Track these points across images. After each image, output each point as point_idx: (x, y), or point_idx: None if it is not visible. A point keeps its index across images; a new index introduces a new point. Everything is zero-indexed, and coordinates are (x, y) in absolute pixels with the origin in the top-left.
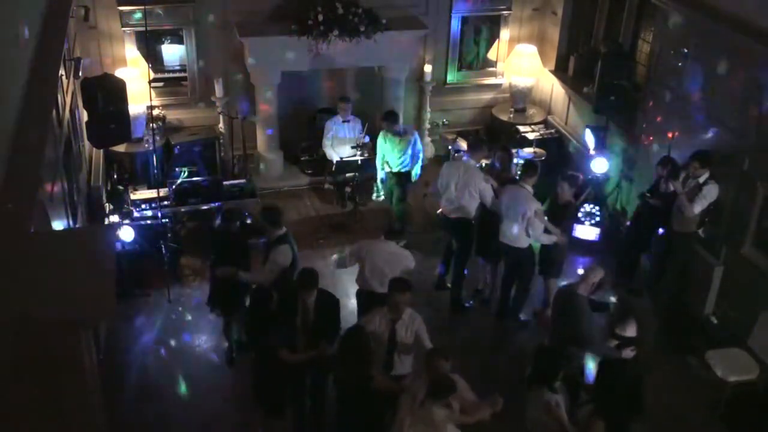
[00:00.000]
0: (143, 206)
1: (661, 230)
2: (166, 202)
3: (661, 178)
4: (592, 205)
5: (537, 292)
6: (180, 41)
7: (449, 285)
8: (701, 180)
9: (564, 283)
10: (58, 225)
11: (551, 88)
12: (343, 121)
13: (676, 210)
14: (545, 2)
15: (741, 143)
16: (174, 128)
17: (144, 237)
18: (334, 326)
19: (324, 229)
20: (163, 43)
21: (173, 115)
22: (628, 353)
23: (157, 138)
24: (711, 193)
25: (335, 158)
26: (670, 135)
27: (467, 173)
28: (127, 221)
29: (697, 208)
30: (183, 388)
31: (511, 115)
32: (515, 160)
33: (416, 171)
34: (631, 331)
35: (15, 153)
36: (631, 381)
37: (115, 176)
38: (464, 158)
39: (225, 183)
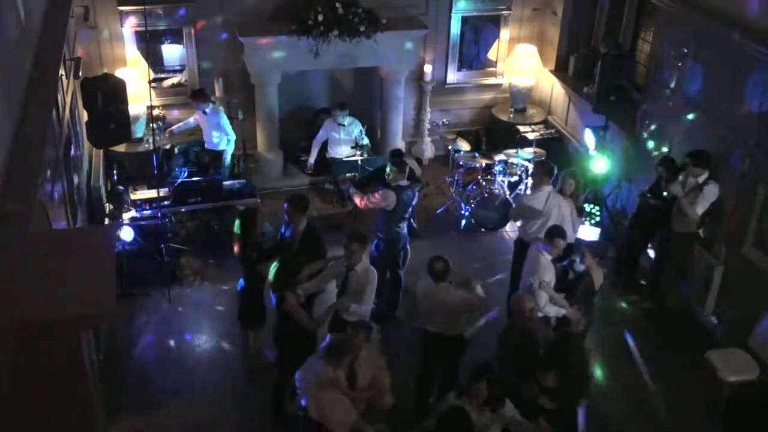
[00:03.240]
0: (143, 206)
1: (660, 230)
2: (166, 202)
3: (661, 177)
4: (592, 205)
5: None
6: (180, 41)
7: None
8: (700, 180)
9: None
10: (58, 225)
11: (551, 88)
12: (339, 124)
13: (676, 210)
14: (545, 2)
15: (741, 143)
16: None
17: (144, 237)
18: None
19: (324, 228)
20: (163, 43)
21: (173, 115)
22: (546, 402)
23: (158, 138)
24: (711, 192)
25: (313, 157)
26: (670, 135)
27: (548, 197)
28: (127, 221)
29: (699, 209)
30: (183, 388)
31: (511, 115)
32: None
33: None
34: (549, 381)
35: (15, 153)
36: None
37: (115, 176)
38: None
39: (225, 183)
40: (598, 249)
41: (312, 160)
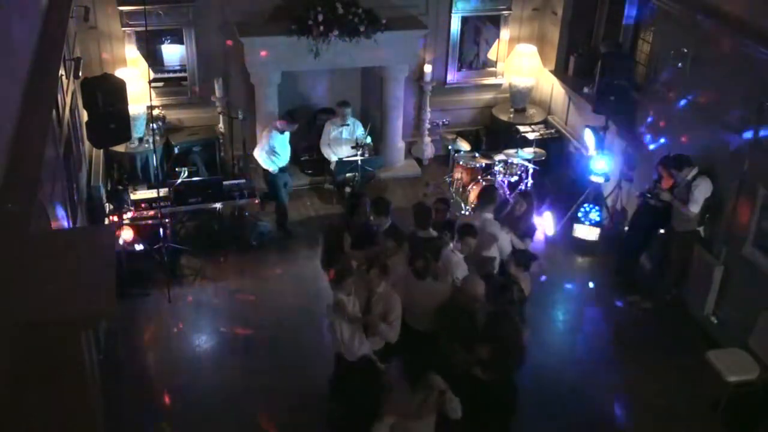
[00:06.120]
0: (143, 206)
1: (661, 230)
2: (166, 202)
3: (661, 177)
4: (591, 205)
5: None
6: (180, 41)
7: None
8: (689, 177)
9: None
10: (58, 225)
11: (551, 88)
12: (342, 125)
13: (676, 210)
14: (545, 2)
15: (741, 143)
16: (174, 128)
17: (144, 237)
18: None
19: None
20: (163, 43)
21: (173, 115)
22: (479, 372)
23: (157, 138)
24: (701, 188)
25: (333, 158)
26: (670, 135)
27: (483, 226)
28: (127, 221)
29: (694, 206)
30: (183, 388)
31: (511, 115)
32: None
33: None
34: (483, 353)
35: (15, 153)
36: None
37: (115, 176)
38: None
39: (225, 183)
40: (522, 258)
41: (334, 157)
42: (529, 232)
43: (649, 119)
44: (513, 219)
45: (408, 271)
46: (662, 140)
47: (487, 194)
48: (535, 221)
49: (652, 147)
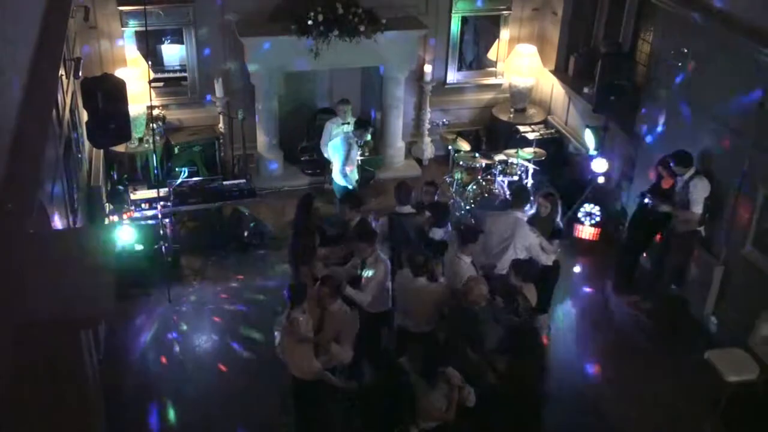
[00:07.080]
0: (143, 206)
1: (661, 230)
2: (166, 203)
3: (661, 177)
4: (592, 205)
5: None
6: (180, 41)
7: None
8: (686, 177)
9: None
10: (58, 225)
11: (551, 88)
12: (343, 123)
13: (678, 214)
14: (545, 2)
15: (741, 143)
16: (174, 128)
17: (144, 237)
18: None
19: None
20: (163, 43)
21: (173, 115)
22: (492, 378)
23: (157, 138)
24: (699, 188)
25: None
26: (670, 134)
27: (514, 226)
28: (127, 221)
29: (696, 207)
30: (183, 388)
31: (511, 115)
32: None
33: None
34: (500, 363)
35: (15, 153)
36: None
37: (115, 176)
38: (510, 212)
39: (225, 183)
40: (521, 268)
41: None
42: (555, 233)
43: (649, 119)
44: (538, 221)
45: (399, 270)
46: (662, 140)
47: (520, 193)
48: (560, 222)
49: (652, 147)
